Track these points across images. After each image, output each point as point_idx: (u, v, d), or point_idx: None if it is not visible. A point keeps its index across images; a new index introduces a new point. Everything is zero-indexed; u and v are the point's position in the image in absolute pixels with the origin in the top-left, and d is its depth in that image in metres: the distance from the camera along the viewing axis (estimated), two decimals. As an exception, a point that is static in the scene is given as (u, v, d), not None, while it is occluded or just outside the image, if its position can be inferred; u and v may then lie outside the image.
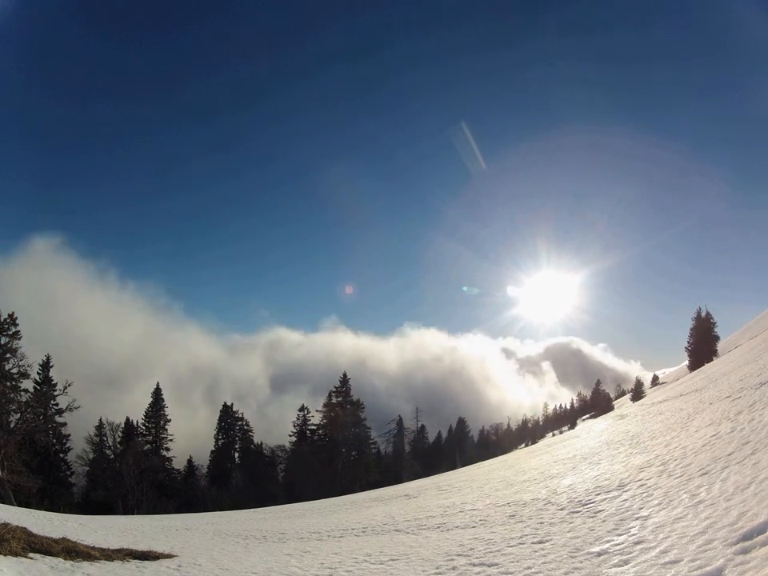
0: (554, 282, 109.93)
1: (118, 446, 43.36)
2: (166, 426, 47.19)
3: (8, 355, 32.90)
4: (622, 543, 5.54)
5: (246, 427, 51.43)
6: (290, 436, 52.49)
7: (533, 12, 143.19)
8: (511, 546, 6.73)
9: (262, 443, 51.87)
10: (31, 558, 6.49)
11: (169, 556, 8.75)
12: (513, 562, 5.91)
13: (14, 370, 32.78)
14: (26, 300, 70.19)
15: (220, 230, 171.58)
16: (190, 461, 48.53)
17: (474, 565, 6.13)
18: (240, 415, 51.55)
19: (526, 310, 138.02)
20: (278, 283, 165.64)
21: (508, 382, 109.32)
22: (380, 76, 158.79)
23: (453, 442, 64.92)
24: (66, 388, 33.41)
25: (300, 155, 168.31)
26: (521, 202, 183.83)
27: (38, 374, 38.43)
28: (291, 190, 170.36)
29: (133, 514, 35.59)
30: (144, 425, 46.65)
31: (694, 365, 43.68)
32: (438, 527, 9.81)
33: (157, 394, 47.41)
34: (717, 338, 45.37)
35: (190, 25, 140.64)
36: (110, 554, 7.90)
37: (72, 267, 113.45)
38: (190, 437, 51.61)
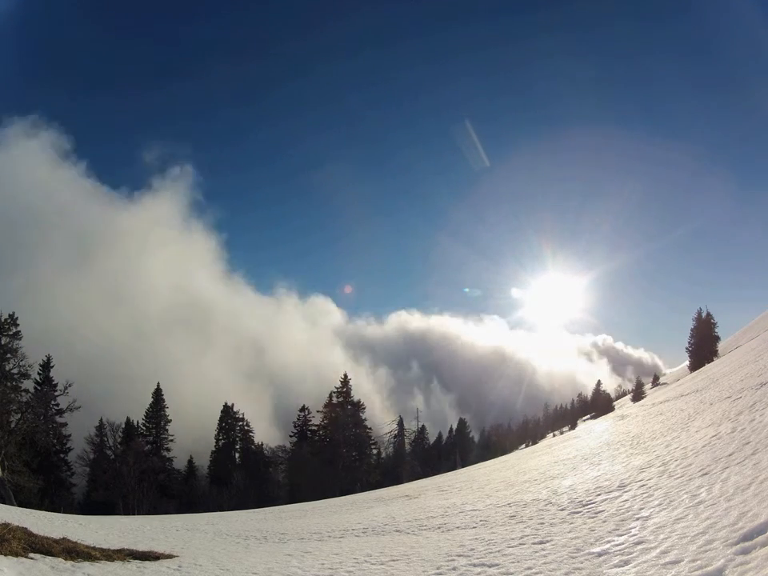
0: (559, 283, 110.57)
1: (119, 446, 43.37)
2: (167, 427, 47.17)
3: (8, 355, 32.97)
4: (623, 544, 5.53)
5: (246, 427, 51.41)
6: (291, 436, 52.53)
7: (537, 9, 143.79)
8: (512, 547, 6.73)
9: (262, 444, 51.90)
10: (32, 558, 6.50)
11: (169, 556, 8.75)
12: (513, 563, 5.90)
13: (15, 371, 32.86)
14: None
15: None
16: (190, 461, 48.50)
17: (475, 565, 6.13)
18: (241, 415, 51.57)
19: (530, 310, 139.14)
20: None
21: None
22: (385, 74, 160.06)
23: (453, 443, 64.86)
24: (66, 388, 33.52)
25: (303, 153, 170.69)
26: (526, 203, 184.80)
27: (39, 374, 38.46)
28: (293, 187, 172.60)
29: (133, 514, 35.57)
30: (144, 425, 46.63)
31: (695, 365, 43.67)
32: (439, 528, 9.80)
33: (157, 394, 47.40)
34: (717, 339, 45.37)
35: (195, 19, 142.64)
36: (110, 555, 7.90)
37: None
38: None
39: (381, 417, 65.18)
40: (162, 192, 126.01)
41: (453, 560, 6.58)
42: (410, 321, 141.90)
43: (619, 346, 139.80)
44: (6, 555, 6.16)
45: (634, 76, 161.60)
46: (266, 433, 57.42)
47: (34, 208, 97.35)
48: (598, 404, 56.02)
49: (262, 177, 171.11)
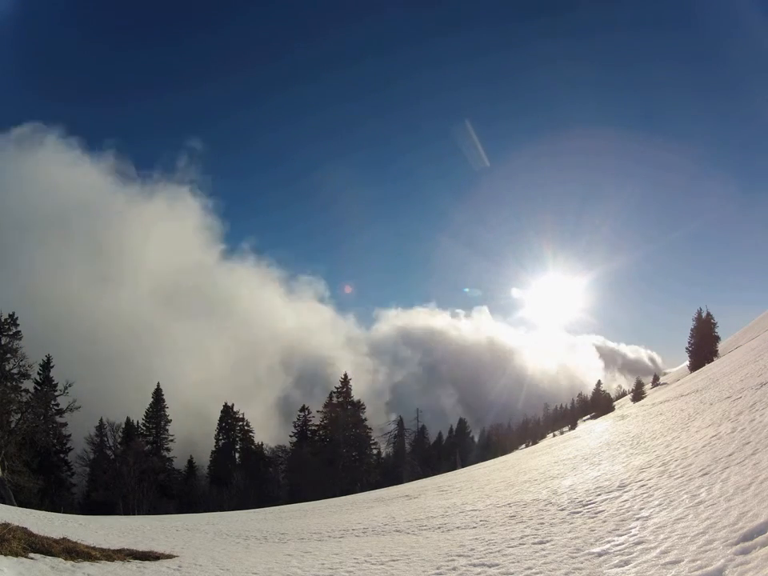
0: (560, 284, 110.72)
1: (119, 446, 43.40)
2: (167, 427, 47.24)
3: (8, 356, 33.00)
4: (623, 544, 5.53)
5: (246, 427, 51.45)
6: (291, 436, 52.54)
7: (538, 15, 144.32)
8: (512, 547, 6.72)
9: (262, 444, 51.93)
10: (32, 558, 6.49)
11: (169, 556, 8.75)
12: (513, 563, 5.90)
13: (15, 371, 32.88)
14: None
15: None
16: (190, 461, 48.56)
17: (475, 565, 6.13)
18: (241, 415, 51.62)
19: (530, 310, 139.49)
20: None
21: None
22: (387, 79, 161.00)
23: (453, 443, 64.87)
24: (66, 388, 33.51)
25: (307, 155, 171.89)
26: (526, 205, 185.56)
27: (39, 374, 38.50)
28: (295, 190, 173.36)
29: (133, 514, 35.60)
30: (144, 425, 46.67)
31: (695, 365, 43.66)
32: (439, 528, 9.80)
33: (157, 394, 47.42)
34: (717, 339, 45.34)
35: (200, 27, 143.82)
36: (110, 555, 7.90)
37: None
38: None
39: (380, 417, 65.28)
40: (165, 193, 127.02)
41: (453, 560, 6.58)
42: (408, 319, 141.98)
43: (619, 345, 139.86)
44: (6, 555, 6.16)
45: (635, 81, 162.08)
46: (266, 426, 57.57)
47: (39, 208, 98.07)
48: (598, 404, 56.01)
49: (264, 180, 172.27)
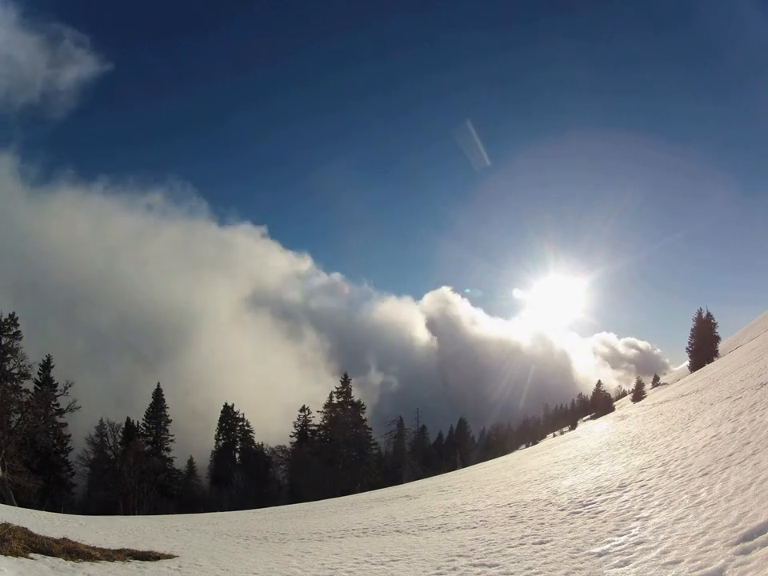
0: (561, 284, 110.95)
1: (119, 446, 43.37)
2: (167, 427, 47.18)
3: (9, 356, 33.02)
4: (623, 544, 5.54)
5: (246, 428, 51.42)
6: (291, 437, 52.50)
7: (538, 19, 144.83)
8: (512, 547, 6.73)
9: (262, 444, 51.90)
10: (32, 558, 6.49)
11: (170, 556, 8.75)
12: (513, 563, 5.90)
13: (15, 371, 32.90)
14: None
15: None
16: (190, 461, 48.53)
17: (475, 565, 6.13)
18: (241, 416, 51.59)
19: (532, 311, 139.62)
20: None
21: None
22: (389, 82, 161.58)
23: (453, 443, 64.85)
24: (66, 388, 33.54)
25: (308, 156, 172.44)
26: (528, 205, 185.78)
27: (39, 374, 38.48)
28: (297, 190, 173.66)
29: (133, 514, 35.58)
30: (145, 425, 46.63)
31: (695, 365, 43.67)
32: (439, 528, 9.80)
33: (157, 394, 47.39)
34: (718, 339, 45.33)
35: (207, 30, 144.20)
36: (110, 555, 7.90)
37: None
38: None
39: (380, 416, 65.28)
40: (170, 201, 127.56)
41: (453, 560, 6.58)
42: (407, 318, 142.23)
43: (619, 343, 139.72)
44: (6, 555, 6.16)
45: (637, 82, 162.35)
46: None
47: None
48: (598, 404, 56.04)
49: (266, 179, 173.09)
